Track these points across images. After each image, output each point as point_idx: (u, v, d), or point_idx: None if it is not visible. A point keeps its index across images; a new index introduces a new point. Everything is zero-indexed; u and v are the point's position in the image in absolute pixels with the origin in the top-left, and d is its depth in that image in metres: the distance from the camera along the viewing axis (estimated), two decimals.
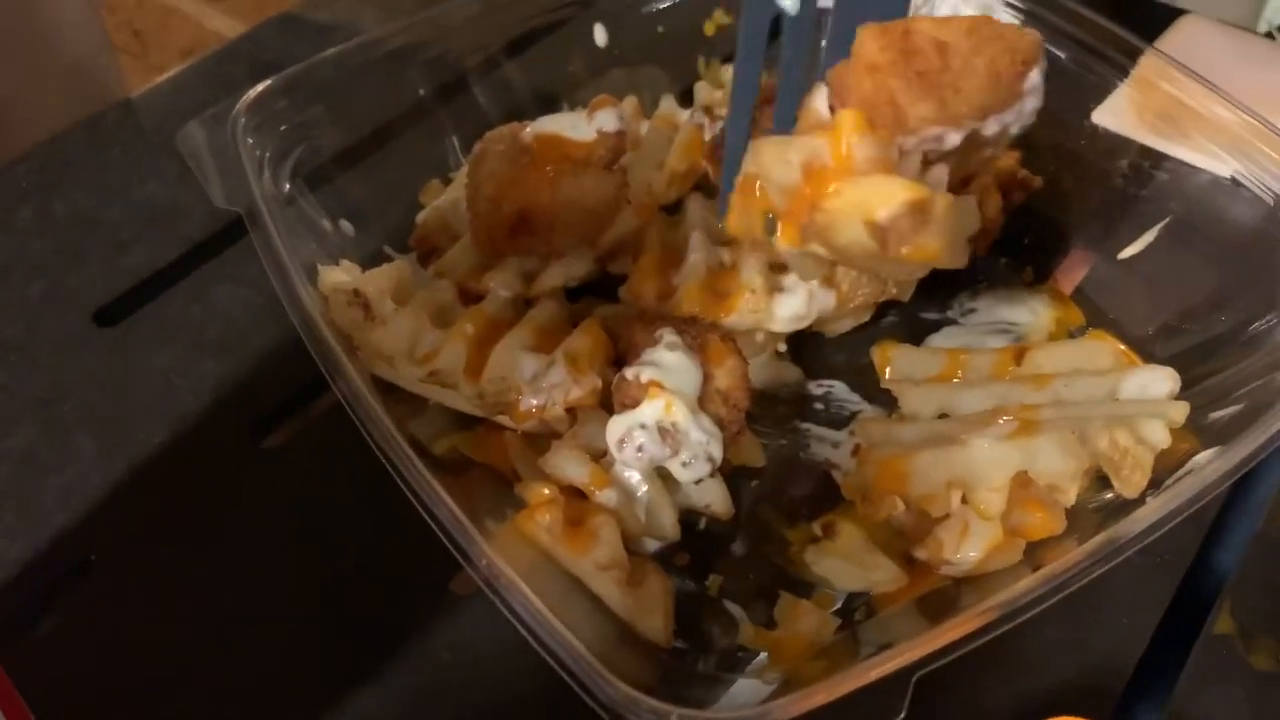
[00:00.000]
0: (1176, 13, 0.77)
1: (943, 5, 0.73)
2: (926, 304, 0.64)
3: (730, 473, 0.55)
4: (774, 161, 0.47)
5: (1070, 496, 0.46)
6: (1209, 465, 0.46)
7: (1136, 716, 0.47)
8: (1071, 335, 0.62)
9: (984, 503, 0.46)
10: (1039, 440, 0.46)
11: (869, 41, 0.46)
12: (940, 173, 0.47)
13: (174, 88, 0.78)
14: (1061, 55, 0.67)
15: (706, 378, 0.53)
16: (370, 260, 0.62)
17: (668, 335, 0.54)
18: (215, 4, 1.15)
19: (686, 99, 0.72)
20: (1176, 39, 0.75)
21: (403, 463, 0.44)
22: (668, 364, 0.52)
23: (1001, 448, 0.46)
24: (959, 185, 0.59)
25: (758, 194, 0.48)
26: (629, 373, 0.52)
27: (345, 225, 0.61)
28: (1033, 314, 0.63)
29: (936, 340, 0.62)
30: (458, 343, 0.52)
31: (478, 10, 0.67)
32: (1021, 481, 0.46)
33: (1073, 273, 0.67)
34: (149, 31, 1.11)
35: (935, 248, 0.43)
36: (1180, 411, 0.49)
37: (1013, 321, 0.63)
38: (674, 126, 0.65)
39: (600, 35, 0.70)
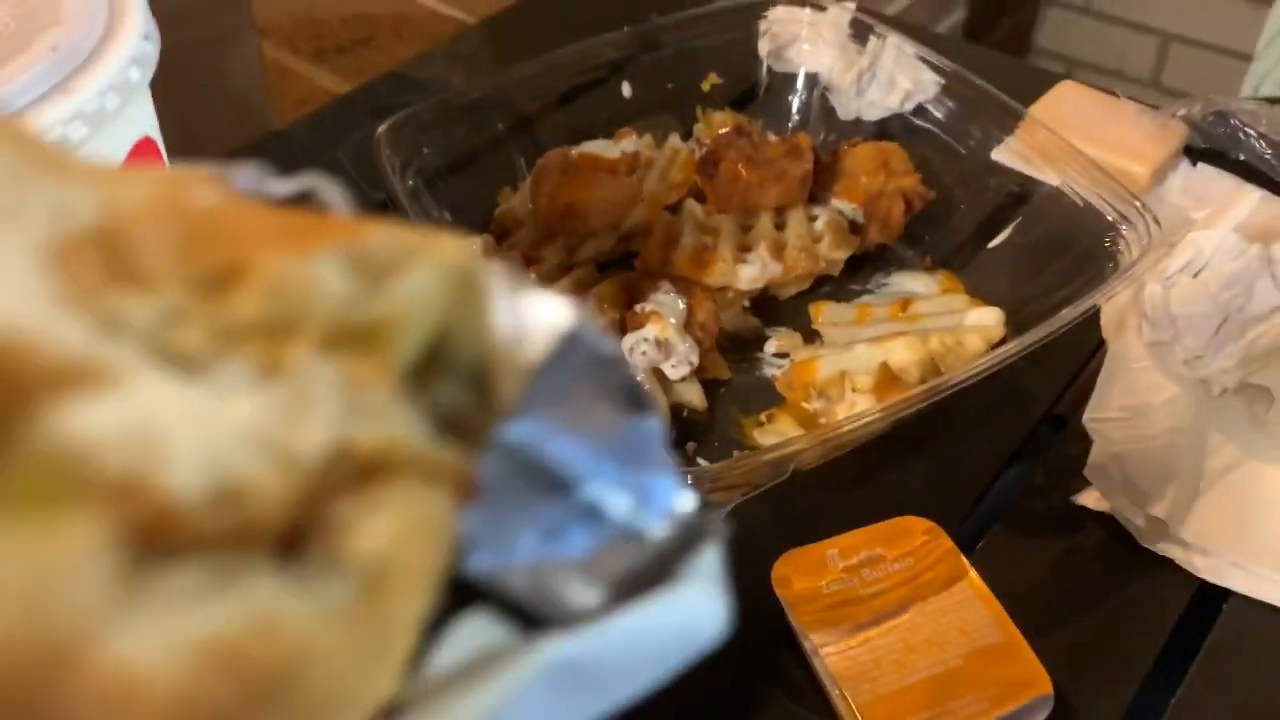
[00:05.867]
0: (1056, 77, 1.06)
1: (879, 81, 1.03)
2: (852, 279, 0.93)
3: (704, 380, 0.84)
4: None
5: (914, 377, 0.75)
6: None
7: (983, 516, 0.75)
8: None
9: (860, 383, 0.75)
10: (895, 342, 0.75)
11: None
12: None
13: (312, 124, 1.10)
14: (966, 114, 0.97)
15: (690, 313, 0.82)
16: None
17: (665, 285, 0.83)
18: (322, 65, 1.47)
19: (688, 137, 1.02)
20: (1056, 97, 1.04)
21: None
22: (664, 303, 0.81)
23: (871, 349, 0.75)
24: (875, 197, 0.89)
25: None
26: (638, 307, 0.81)
27: (447, 216, 0.92)
28: (927, 287, 0.91)
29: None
30: None
31: (537, 70, 0.98)
32: (884, 369, 0.75)
33: None
34: (270, 86, 1.43)
35: None
36: (998, 325, 0.78)
37: (913, 291, 0.92)
38: (677, 153, 0.95)
39: (626, 90, 1.00)
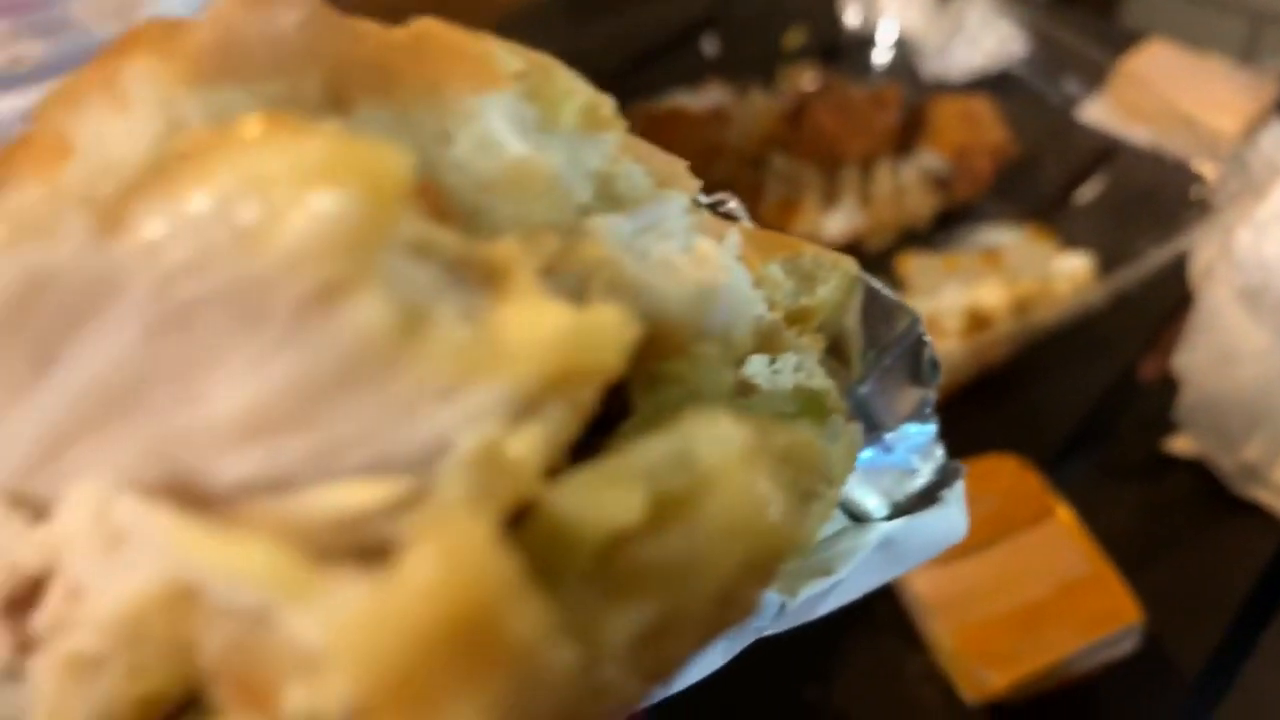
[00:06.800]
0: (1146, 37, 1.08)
1: (964, 38, 1.06)
2: (939, 234, 0.95)
3: None
4: None
5: (1002, 320, 0.77)
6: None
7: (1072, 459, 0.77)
8: None
9: (948, 327, 0.77)
10: (983, 286, 0.77)
11: None
12: None
13: None
14: (1053, 70, 1.00)
15: None
16: None
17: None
18: None
19: (771, 91, 1.05)
20: (1145, 55, 1.06)
21: None
22: None
23: (959, 292, 0.78)
24: (962, 152, 0.91)
25: None
26: None
27: None
28: (1015, 240, 0.94)
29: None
30: None
31: (619, 28, 1.02)
32: (972, 312, 0.77)
33: None
34: None
35: None
36: (1087, 271, 0.80)
37: (1000, 244, 0.94)
38: (761, 104, 0.99)
39: (710, 47, 1.04)
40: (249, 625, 0.18)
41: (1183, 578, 0.72)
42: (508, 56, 0.24)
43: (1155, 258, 0.81)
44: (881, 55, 1.06)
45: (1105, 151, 0.98)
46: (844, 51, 1.06)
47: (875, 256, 0.92)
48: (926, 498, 0.40)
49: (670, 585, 0.20)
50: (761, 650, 0.41)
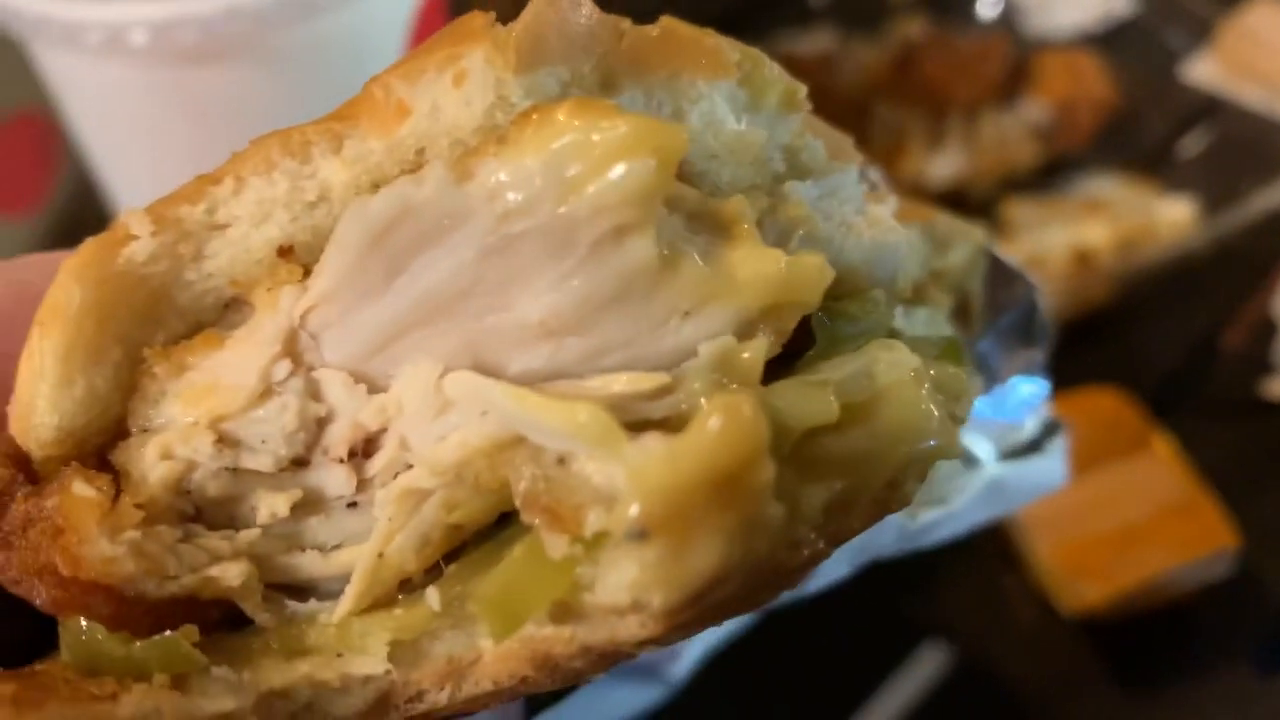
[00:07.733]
0: None
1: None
2: (1042, 183, 1.00)
3: None
4: None
5: (1106, 261, 0.82)
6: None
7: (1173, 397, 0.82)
8: None
9: (1051, 266, 0.83)
10: (1088, 225, 0.83)
11: None
12: None
13: None
14: (1157, 26, 1.04)
15: None
16: None
17: None
18: None
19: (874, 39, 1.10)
20: (1250, 13, 1.09)
21: None
22: None
23: (1062, 231, 0.83)
24: (1066, 103, 0.96)
25: None
26: None
27: None
28: (1116, 192, 0.98)
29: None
30: None
31: None
32: (1075, 251, 0.83)
33: None
34: None
35: None
36: (1189, 217, 0.85)
37: (1101, 195, 0.98)
38: (868, 50, 1.03)
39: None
40: (556, 467, 0.25)
41: (1275, 513, 0.77)
42: (729, 49, 0.30)
43: (1258, 204, 0.85)
44: (987, 9, 1.09)
45: (1208, 106, 1.02)
46: (949, 3, 1.10)
47: (979, 202, 0.97)
48: (1032, 448, 0.48)
49: (853, 470, 0.27)
50: (865, 568, 0.47)
